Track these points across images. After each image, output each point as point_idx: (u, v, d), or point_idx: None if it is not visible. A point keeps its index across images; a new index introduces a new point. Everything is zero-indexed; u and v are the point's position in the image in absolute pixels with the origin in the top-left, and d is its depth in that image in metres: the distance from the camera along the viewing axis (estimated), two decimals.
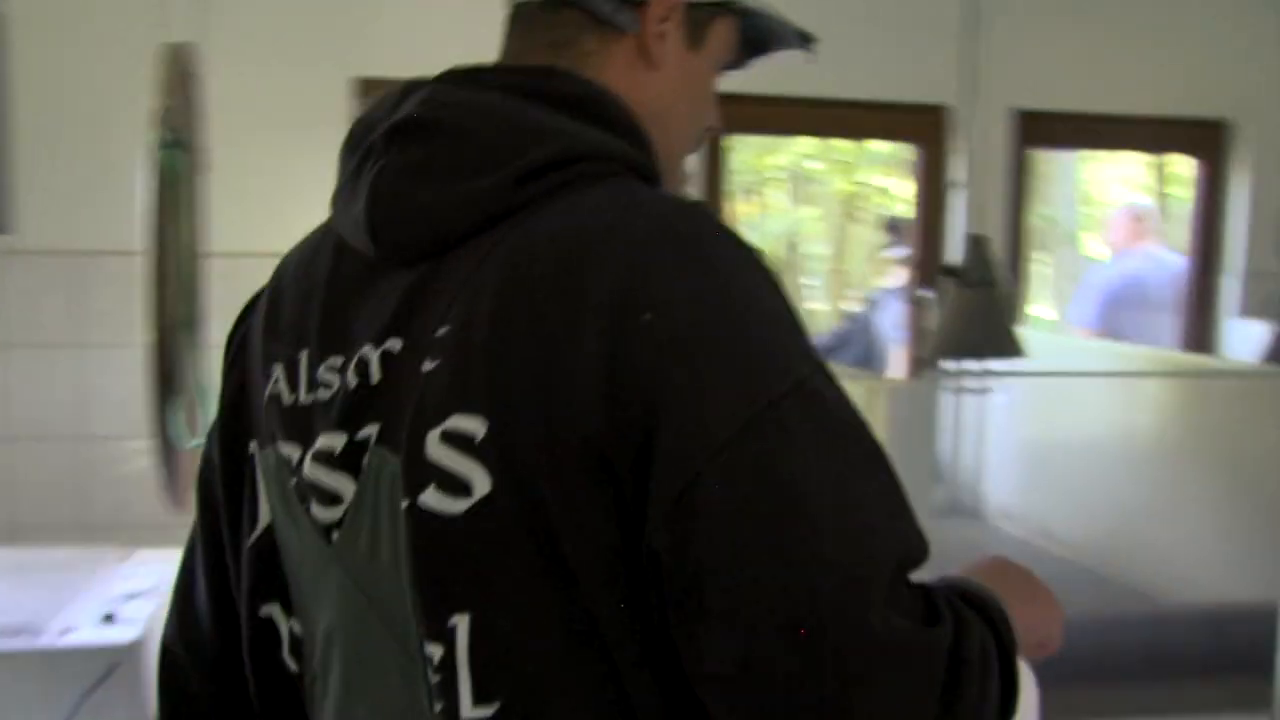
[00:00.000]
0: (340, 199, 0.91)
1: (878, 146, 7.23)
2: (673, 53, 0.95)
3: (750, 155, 7.74)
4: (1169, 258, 4.72)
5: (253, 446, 0.95)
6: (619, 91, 0.91)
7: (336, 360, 0.87)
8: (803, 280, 8.72)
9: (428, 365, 0.81)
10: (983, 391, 2.86)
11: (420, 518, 0.81)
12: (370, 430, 0.84)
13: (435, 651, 0.81)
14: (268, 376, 0.93)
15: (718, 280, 0.79)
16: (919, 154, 3.87)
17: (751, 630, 0.74)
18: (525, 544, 0.78)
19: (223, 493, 0.99)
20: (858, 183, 8.67)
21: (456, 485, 0.79)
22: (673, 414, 0.75)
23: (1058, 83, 3.81)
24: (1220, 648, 2.28)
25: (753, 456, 0.74)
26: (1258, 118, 4.02)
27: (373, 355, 0.85)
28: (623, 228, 0.80)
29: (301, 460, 0.89)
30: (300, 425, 0.89)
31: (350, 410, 0.86)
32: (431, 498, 0.80)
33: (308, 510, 0.89)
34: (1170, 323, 4.33)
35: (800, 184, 8.93)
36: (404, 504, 0.81)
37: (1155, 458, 2.95)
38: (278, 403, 0.92)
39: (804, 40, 1.05)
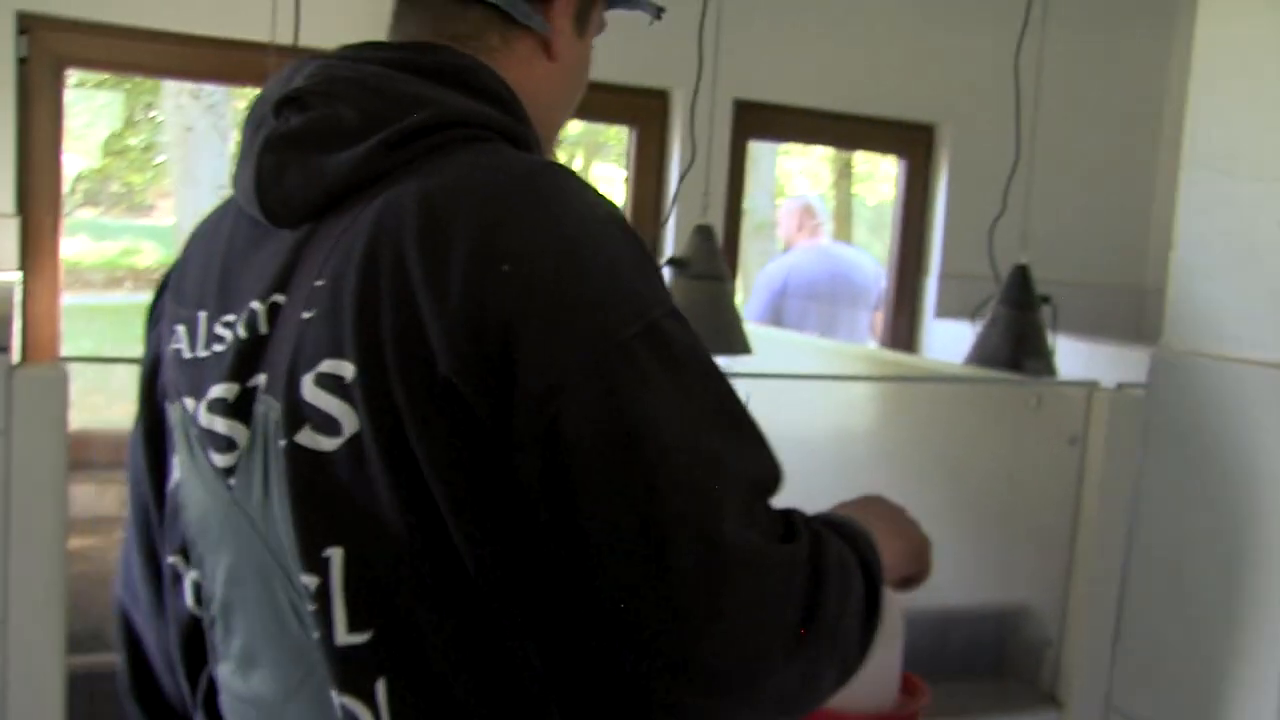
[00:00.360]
0: (238, 168, 0.96)
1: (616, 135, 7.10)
2: (567, 43, 1.04)
3: None
4: (843, 252, 4.83)
5: (166, 406, 1.01)
6: (521, 84, 1.00)
7: (230, 317, 0.95)
8: None
9: (305, 315, 0.88)
10: None
11: (296, 456, 0.87)
12: (259, 379, 0.91)
13: (311, 582, 0.87)
14: (173, 336, 1.00)
15: (573, 232, 0.86)
16: (636, 139, 3.75)
17: (614, 550, 0.79)
18: (392, 480, 0.84)
19: (145, 452, 1.06)
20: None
21: (329, 424, 0.85)
22: (530, 357, 0.81)
23: (778, 76, 3.78)
24: (943, 651, 2.26)
25: (604, 392, 0.80)
26: (961, 122, 4.14)
27: (260, 308, 0.92)
28: (484, 186, 0.87)
29: (195, 411, 0.95)
30: (196, 378, 0.96)
31: (241, 360, 0.93)
32: (306, 437, 0.86)
33: (207, 457, 0.94)
34: (846, 316, 4.43)
35: None
36: (282, 443, 0.88)
37: (871, 459, 2.93)
38: (179, 359, 0.98)
39: (658, 10, 1.16)
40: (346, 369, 0.84)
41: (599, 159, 8.40)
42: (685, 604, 0.79)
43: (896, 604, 1.19)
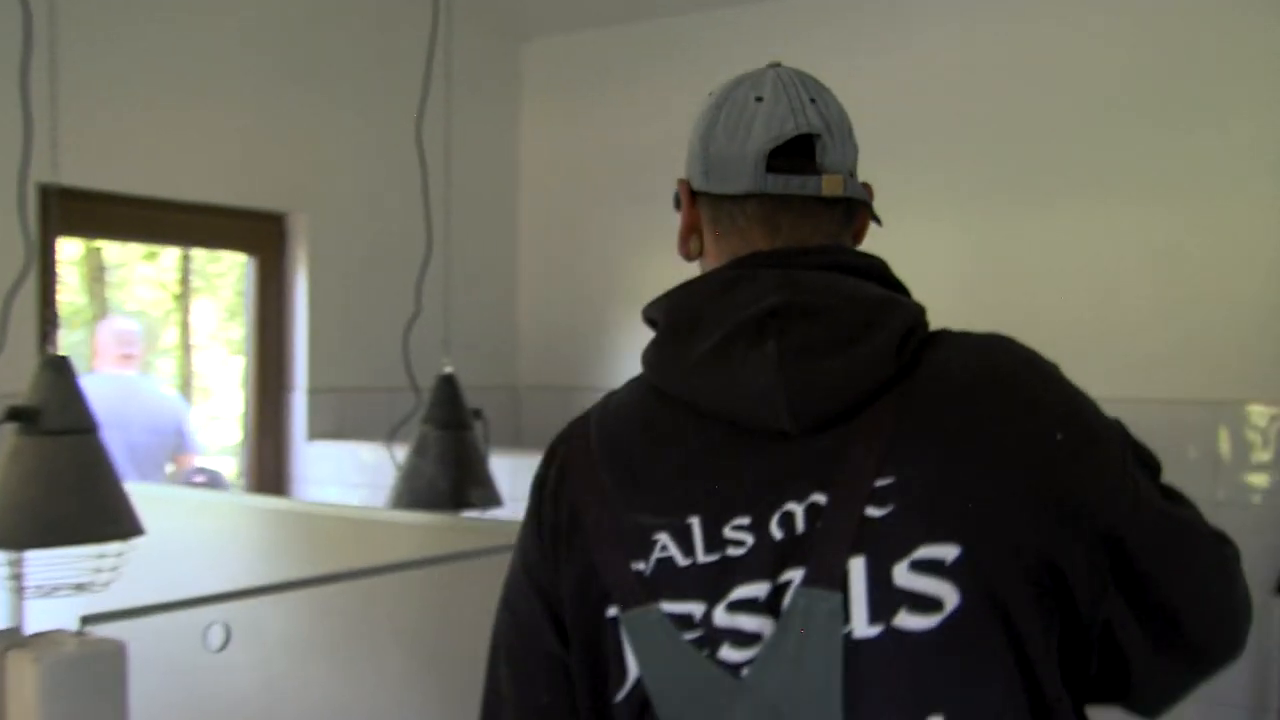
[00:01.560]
0: (697, 376, 1.00)
1: None
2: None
3: None
4: (143, 385, 4.05)
5: (612, 610, 1.00)
6: None
7: (742, 520, 0.97)
8: None
9: (873, 511, 0.94)
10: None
11: (866, 640, 0.93)
12: (793, 574, 0.95)
13: None
14: (645, 545, 0.99)
15: (1074, 393, 1.02)
16: None
17: (1200, 606, 1.02)
18: (991, 644, 0.93)
19: (575, 653, 1.04)
20: None
21: (928, 604, 0.92)
22: (1098, 511, 0.96)
23: (96, 159, 2.91)
24: None
25: (1155, 518, 0.99)
26: (318, 211, 3.55)
27: (798, 509, 0.96)
28: (1012, 368, 1.00)
29: (709, 612, 0.97)
30: (704, 582, 0.97)
31: (775, 559, 0.96)
32: (903, 619, 0.93)
33: (711, 655, 0.97)
34: (143, 455, 3.68)
35: None
36: (843, 631, 0.93)
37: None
38: (669, 566, 0.98)
39: None
40: (948, 551, 0.92)
41: None
42: (1245, 611, 1.05)
43: None
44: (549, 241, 4.23)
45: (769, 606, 0.95)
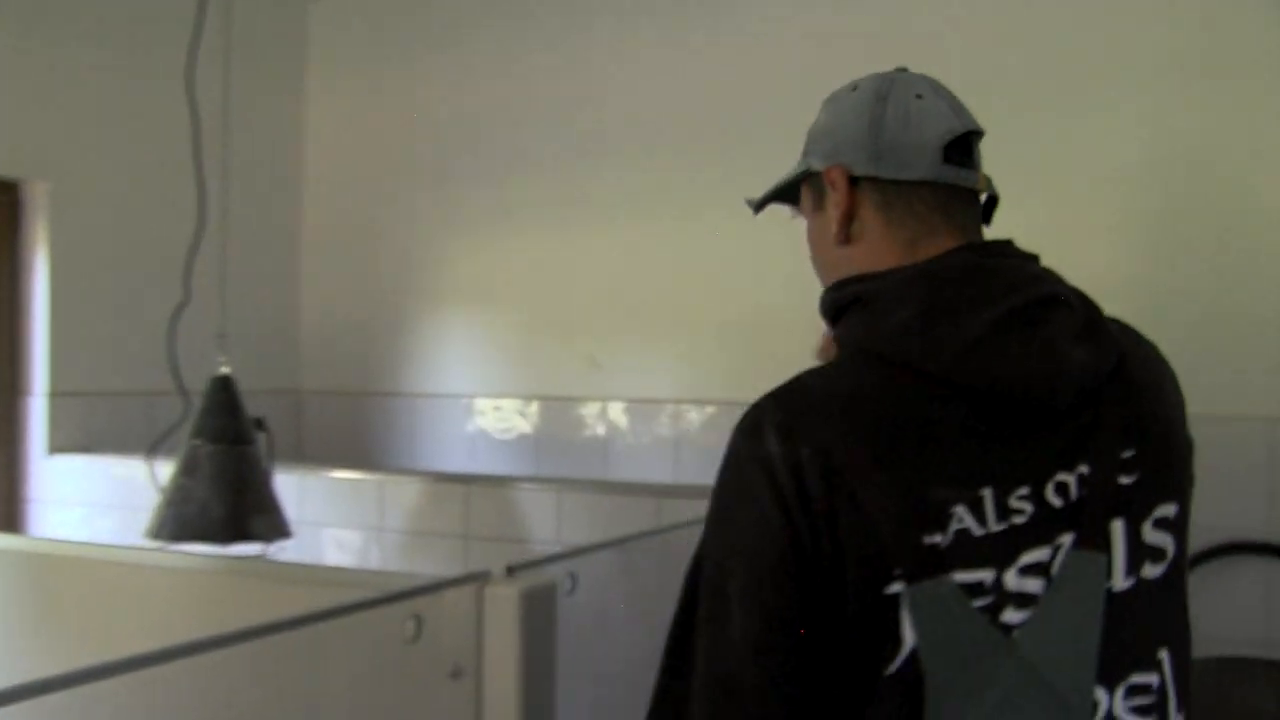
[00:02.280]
0: (974, 357, 1.05)
1: None
2: None
3: None
4: None
5: (895, 587, 1.01)
6: None
7: (1024, 489, 1.05)
8: None
9: (1124, 479, 1.08)
10: None
11: (1121, 593, 1.07)
12: (1064, 539, 1.05)
13: (1149, 680, 1.09)
14: (942, 518, 1.02)
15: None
16: None
17: None
18: (1183, 582, 1.13)
19: (840, 633, 1.02)
20: None
21: (1159, 555, 1.09)
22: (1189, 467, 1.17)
23: None
24: None
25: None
26: (62, 180, 2.99)
27: (1070, 479, 1.06)
28: (1160, 358, 1.20)
29: (999, 578, 1.03)
30: (996, 549, 1.03)
31: (1054, 525, 1.05)
32: (1146, 569, 1.08)
33: (994, 619, 1.02)
34: None
35: None
36: (1108, 585, 1.06)
37: None
38: (966, 537, 1.02)
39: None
40: (1171, 509, 1.10)
41: None
42: None
43: None
44: (337, 225, 3.76)
45: (1046, 569, 1.04)
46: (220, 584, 1.63)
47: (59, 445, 2.97)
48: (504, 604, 1.42)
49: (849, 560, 1.00)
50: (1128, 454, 1.08)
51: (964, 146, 1.16)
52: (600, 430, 3.29)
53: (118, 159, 3.07)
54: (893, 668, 1.01)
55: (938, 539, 1.01)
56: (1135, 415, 1.10)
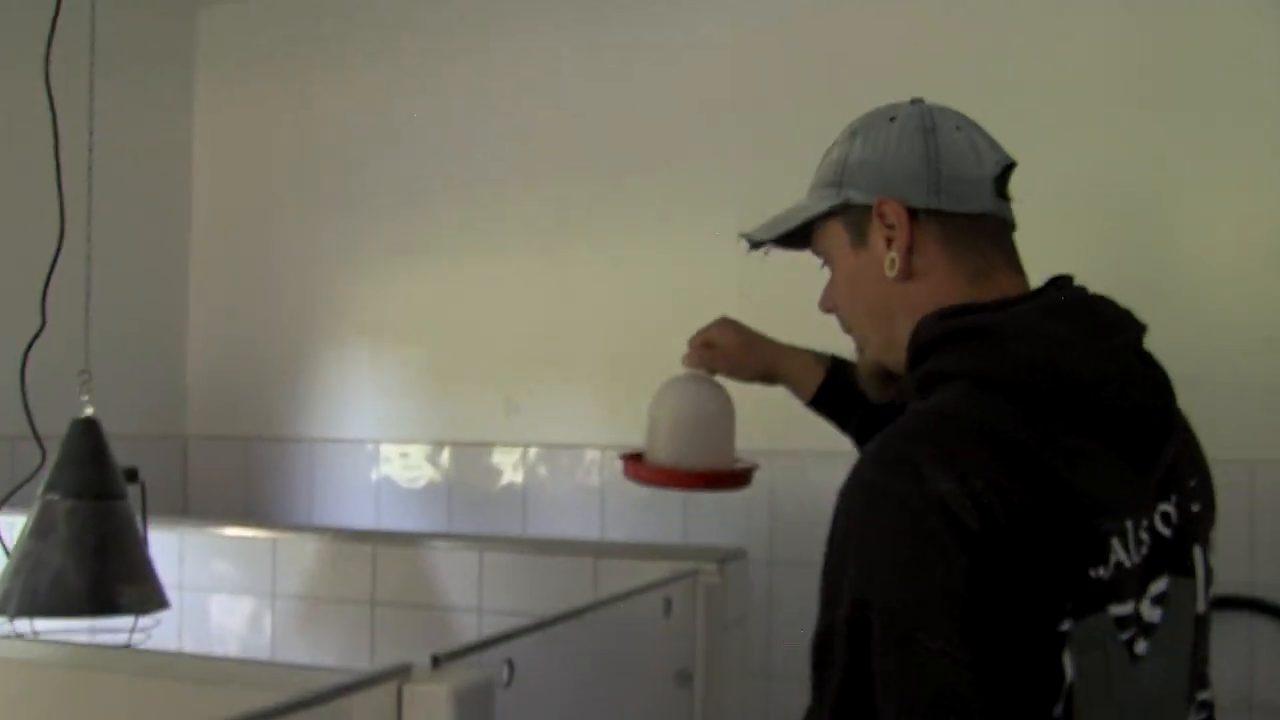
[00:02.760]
0: (1104, 390, 1.04)
1: None
2: None
3: None
4: None
5: (1066, 624, 0.97)
6: None
7: (1145, 520, 1.06)
8: None
9: (1194, 507, 1.11)
10: None
11: (1201, 617, 1.11)
12: (1170, 567, 1.07)
13: (1208, 696, 1.15)
14: (1103, 550, 1.00)
15: None
16: None
17: None
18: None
19: (1010, 677, 0.96)
20: None
21: (1213, 578, 1.12)
22: None
23: None
24: None
25: None
26: None
27: (1170, 508, 1.08)
28: None
29: (1137, 609, 1.03)
30: (1136, 580, 1.03)
31: (1164, 554, 1.06)
32: (1209, 592, 1.12)
33: (1131, 651, 1.02)
34: None
35: None
36: (1197, 610, 1.10)
37: None
38: (1121, 569, 1.02)
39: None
40: (1214, 534, 1.15)
41: None
42: None
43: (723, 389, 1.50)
44: (228, 248, 3.41)
45: (1166, 599, 1.06)
46: (73, 681, 1.31)
47: None
48: (431, 705, 1.13)
49: (1029, 597, 0.96)
50: (1193, 482, 1.13)
51: (1004, 179, 1.17)
52: (518, 478, 3.00)
53: None
54: (1059, 709, 0.97)
55: (1101, 572, 1.00)
56: (1192, 445, 1.17)
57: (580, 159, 2.96)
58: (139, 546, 1.86)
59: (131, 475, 1.92)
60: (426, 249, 3.14)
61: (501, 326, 3.07)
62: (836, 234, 1.19)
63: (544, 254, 2.99)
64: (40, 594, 1.75)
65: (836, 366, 1.58)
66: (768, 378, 1.63)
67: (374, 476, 3.17)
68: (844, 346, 1.33)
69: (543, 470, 2.99)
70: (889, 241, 1.13)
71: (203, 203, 3.44)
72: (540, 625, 1.45)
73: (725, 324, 1.63)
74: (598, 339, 2.93)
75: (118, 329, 3.12)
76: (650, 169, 2.87)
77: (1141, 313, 1.14)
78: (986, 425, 1.00)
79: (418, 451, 3.14)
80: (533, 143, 3.03)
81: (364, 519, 3.14)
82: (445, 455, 3.11)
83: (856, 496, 0.98)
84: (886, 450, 0.99)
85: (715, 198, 2.74)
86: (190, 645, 2.29)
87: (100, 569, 1.79)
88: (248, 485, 3.30)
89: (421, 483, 3.13)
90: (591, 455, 2.92)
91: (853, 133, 1.20)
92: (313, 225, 3.29)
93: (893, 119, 1.17)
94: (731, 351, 1.60)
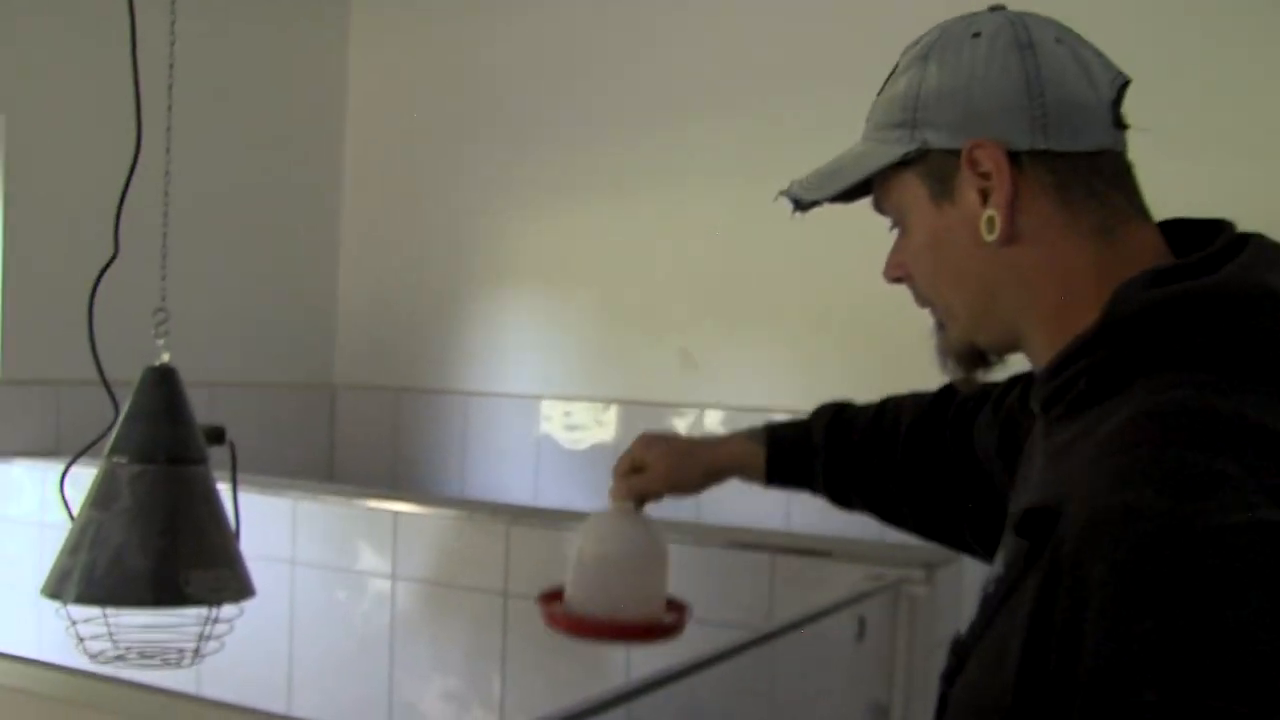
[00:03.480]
0: None
1: None
2: None
3: None
4: None
5: None
6: None
7: None
8: None
9: None
10: None
11: None
12: None
13: None
14: None
15: None
16: None
17: None
18: None
19: None
20: None
21: None
22: None
23: None
24: None
25: None
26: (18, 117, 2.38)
27: None
28: None
29: None
30: None
31: None
32: None
33: None
34: None
35: None
36: None
37: None
38: None
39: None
40: None
41: None
42: None
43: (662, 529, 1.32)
44: (382, 185, 3.12)
45: None
46: None
47: None
48: None
49: None
50: None
51: (1119, 102, 0.92)
52: None
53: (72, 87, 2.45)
54: None
55: None
56: None
57: (782, 80, 2.52)
58: (218, 521, 1.54)
59: (217, 435, 1.61)
60: (591, 185, 2.77)
61: (679, 271, 2.67)
62: (911, 187, 0.95)
63: (730, 188, 2.56)
64: (96, 577, 1.46)
65: (774, 436, 1.40)
66: (712, 479, 1.41)
67: (534, 436, 2.84)
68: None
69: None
70: (984, 195, 0.90)
71: (358, 135, 3.15)
72: (715, 659, 1.11)
73: (650, 441, 1.39)
74: (791, 286, 2.51)
75: (266, 270, 2.89)
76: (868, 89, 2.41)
77: None
78: (1269, 428, 0.75)
79: (582, 409, 2.79)
80: (717, 62, 2.60)
81: (522, 481, 2.82)
82: (612, 414, 2.75)
83: (1176, 546, 0.68)
84: (1186, 469, 0.72)
85: None
86: (288, 636, 2.00)
87: (168, 548, 1.48)
88: (396, 441, 3.01)
89: (586, 444, 2.78)
90: (780, 419, 2.51)
91: (924, 54, 0.95)
92: (469, 164, 2.95)
93: (977, 34, 0.93)
94: (663, 470, 1.37)
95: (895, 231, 1.00)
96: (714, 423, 2.60)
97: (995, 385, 1.19)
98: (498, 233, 2.91)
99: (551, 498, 2.77)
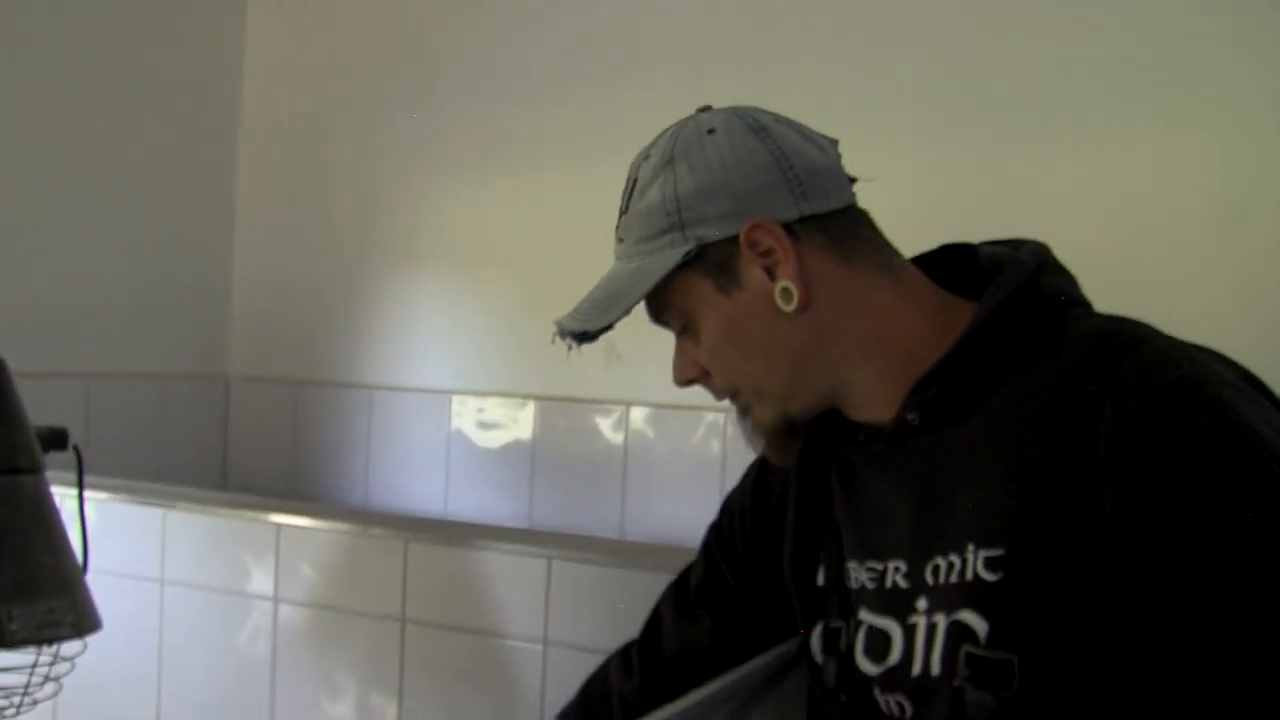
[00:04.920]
0: None
1: None
2: None
3: None
4: None
5: None
6: None
7: None
8: None
9: None
10: None
11: None
12: None
13: None
14: None
15: None
16: None
17: None
18: None
19: None
20: None
21: None
22: None
23: None
24: None
25: None
26: None
27: None
28: None
29: None
30: None
31: None
32: None
33: None
34: None
35: None
36: None
37: None
38: None
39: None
40: None
41: None
42: None
43: None
44: (280, 156, 2.88)
45: None
46: None
47: None
48: None
49: None
50: None
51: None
52: (618, 442, 2.43)
53: None
54: None
55: None
56: None
57: (708, 51, 2.34)
58: (52, 542, 1.31)
59: (58, 439, 1.38)
60: (507, 160, 2.56)
61: (603, 254, 2.47)
62: (693, 287, 0.99)
63: None
64: None
65: None
66: None
67: (444, 433, 2.62)
68: None
69: (650, 434, 2.41)
70: (769, 271, 0.96)
71: (254, 105, 2.90)
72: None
73: None
74: None
75: (149, 251, 2.64)
76: (795, 62, 2.23)
77: None
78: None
79: (497, 406, 2.59)
80: (641, 32, 2.41)
81: (431, 483, 2.63)
82: (529, 411, 2.56)
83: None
84: (1177, 347, 0.87)
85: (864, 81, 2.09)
86: (155, 665, 1.78)
87: None
88: (295, 439, 2.78)
89: (501, 443, 2.57)
90: (711, 418, 2.34)
91: (666, 160, 0.99)
92: (378, 135, 2.72)
93: (711, 130, 0.99)
94: None
95: (680, 336, 1.03)
96: (639, 420, 2.41)
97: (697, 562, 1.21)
98: (407, 211, 2.69)
99: (464, 500, 2.57)
